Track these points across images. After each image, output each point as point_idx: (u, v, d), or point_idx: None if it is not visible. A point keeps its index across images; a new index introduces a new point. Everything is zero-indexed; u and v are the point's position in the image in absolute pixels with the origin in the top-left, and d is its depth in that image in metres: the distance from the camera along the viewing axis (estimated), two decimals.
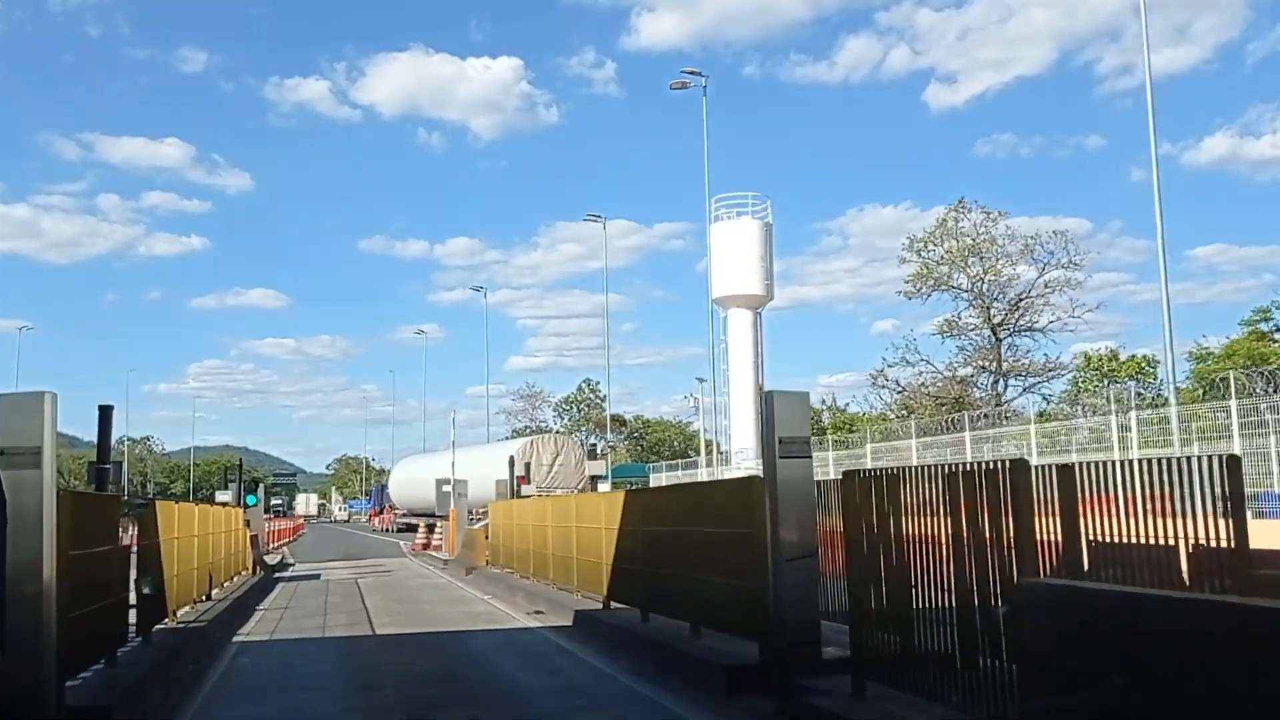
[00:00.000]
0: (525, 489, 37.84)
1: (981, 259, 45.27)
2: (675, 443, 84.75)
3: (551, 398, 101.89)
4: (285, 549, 40.39)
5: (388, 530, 58.20)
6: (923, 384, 49.63)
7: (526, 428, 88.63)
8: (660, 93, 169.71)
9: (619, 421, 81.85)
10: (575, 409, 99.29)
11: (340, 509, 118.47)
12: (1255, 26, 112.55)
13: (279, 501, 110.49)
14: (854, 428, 63.56)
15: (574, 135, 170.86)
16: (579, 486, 40.34)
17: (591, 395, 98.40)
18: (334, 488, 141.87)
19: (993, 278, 44.82)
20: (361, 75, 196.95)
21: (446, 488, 30.65)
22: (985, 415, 30.16)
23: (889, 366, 49.89)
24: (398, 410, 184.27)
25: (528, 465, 37.89)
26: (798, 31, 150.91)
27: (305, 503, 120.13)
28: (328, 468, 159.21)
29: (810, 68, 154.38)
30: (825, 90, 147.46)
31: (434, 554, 30.85)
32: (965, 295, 45.80)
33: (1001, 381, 46.07)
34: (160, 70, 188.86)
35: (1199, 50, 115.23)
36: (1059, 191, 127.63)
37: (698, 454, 71.96)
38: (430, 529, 38.50)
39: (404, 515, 55.41)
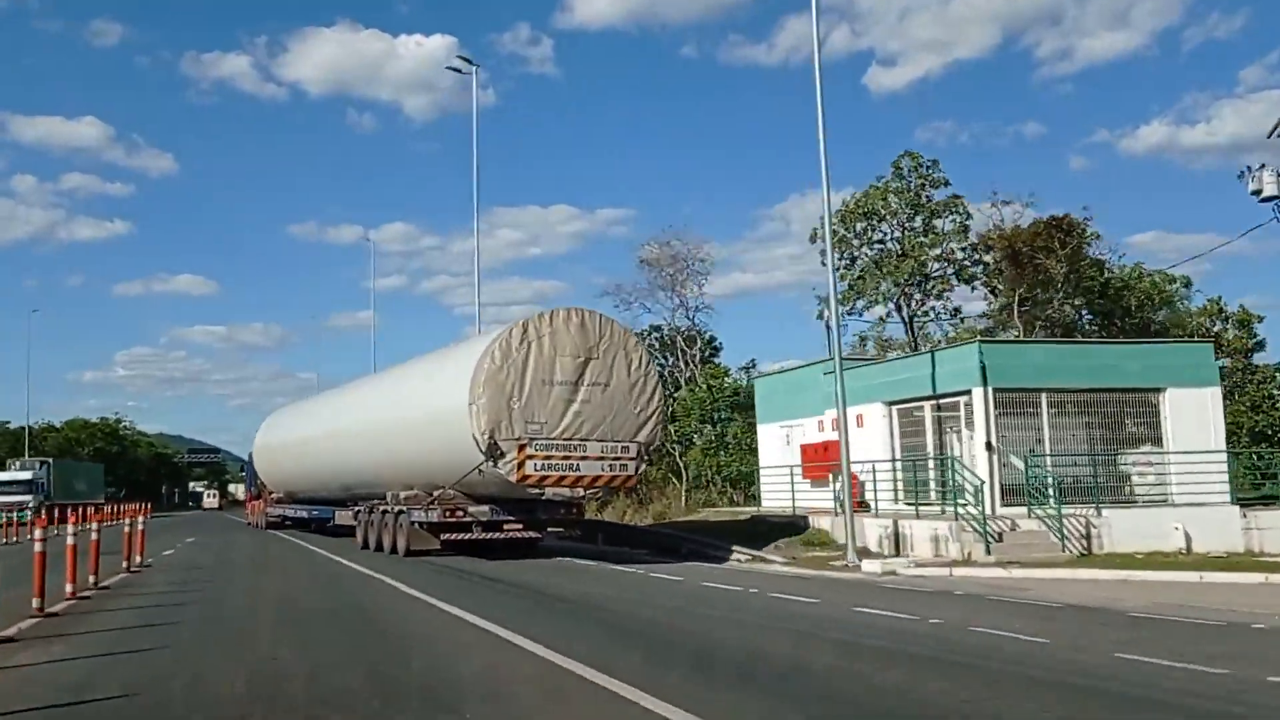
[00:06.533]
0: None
1: None
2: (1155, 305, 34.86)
3: (708, 242, 51.45)
4: None
5: (257, 526, 36.65)
6: None
7: (665, 325, 42.23)
8: (601, 73, 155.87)
9: (1065, 232, 31.59)
10: (876, 220, 35.67)
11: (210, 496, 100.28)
12: (1193, 13, 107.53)
13: (83, 488, 59.64)
14: None
15: (512, 116, 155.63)
16: (648, 441, 18.55)
17: (924, 176, 35.21)
18: None
19: None
20: (284, 50, 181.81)
21: None
22: None
23: None
24: None
25: (521, 373, 17.78)
26: (736, 12, 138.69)
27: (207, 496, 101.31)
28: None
29: (748, 49, 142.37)
30: (764, 72, 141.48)
31: None
32: None
33: None
34: (73, 44, 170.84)
35: (1138, 36, 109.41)
36: (1000, 176, 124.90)
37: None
38: None
39: (281, 501, 33.67)
